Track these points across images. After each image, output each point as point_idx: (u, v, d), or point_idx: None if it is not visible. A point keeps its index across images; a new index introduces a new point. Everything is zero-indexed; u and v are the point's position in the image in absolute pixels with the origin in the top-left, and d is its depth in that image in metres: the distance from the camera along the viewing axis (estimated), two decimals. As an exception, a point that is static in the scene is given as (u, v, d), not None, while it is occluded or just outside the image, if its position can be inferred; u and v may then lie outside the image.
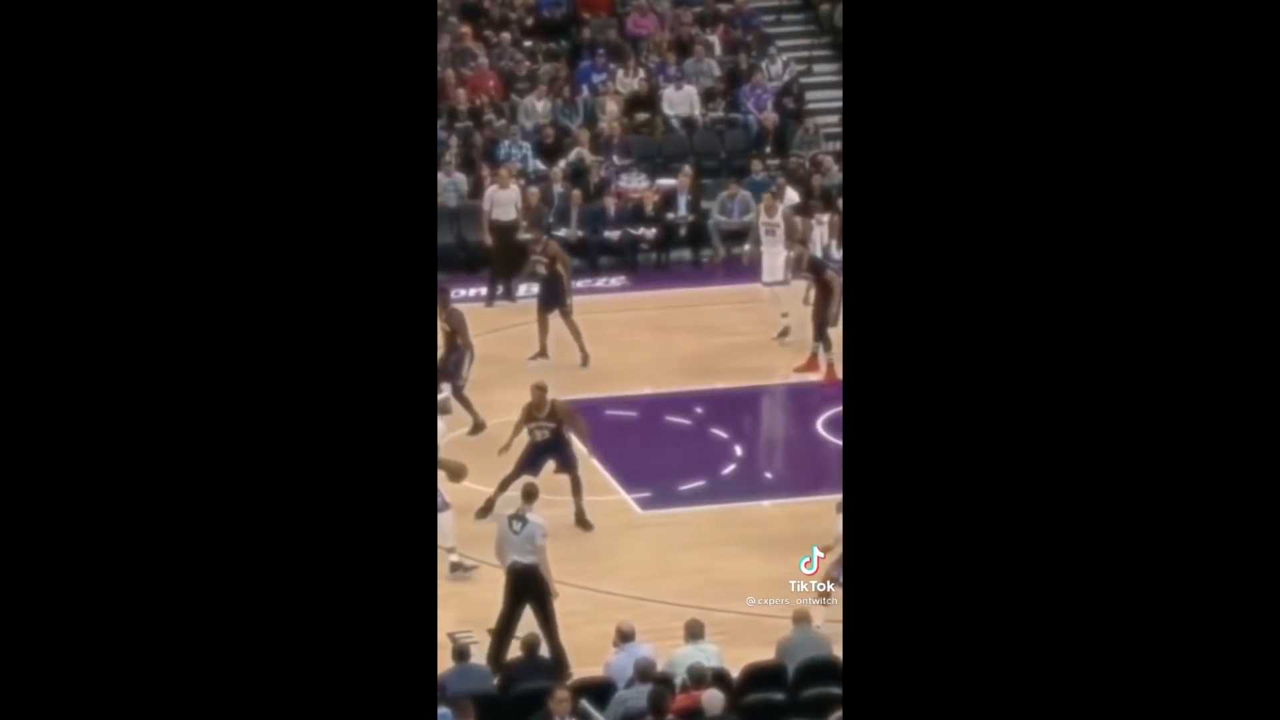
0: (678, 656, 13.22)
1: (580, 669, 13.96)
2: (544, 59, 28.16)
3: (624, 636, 13.41)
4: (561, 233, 24.62)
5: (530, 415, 17.54)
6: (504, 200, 24.31)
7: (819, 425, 20.09)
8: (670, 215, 26.11)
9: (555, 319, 21.56)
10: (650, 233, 25.92)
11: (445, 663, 12.76)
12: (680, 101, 27.74)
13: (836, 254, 22.57)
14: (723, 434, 19.98)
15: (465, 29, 28.01)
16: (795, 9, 30.26)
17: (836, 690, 12.02)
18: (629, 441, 19.71)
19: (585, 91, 27.72)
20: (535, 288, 22.36)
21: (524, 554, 14.72)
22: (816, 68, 29.01)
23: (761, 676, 13.14)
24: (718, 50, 28.70)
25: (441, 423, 16.61)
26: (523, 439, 17.50)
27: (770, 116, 27.59)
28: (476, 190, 25.43)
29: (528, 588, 14.71)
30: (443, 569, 15.62)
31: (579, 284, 23.39)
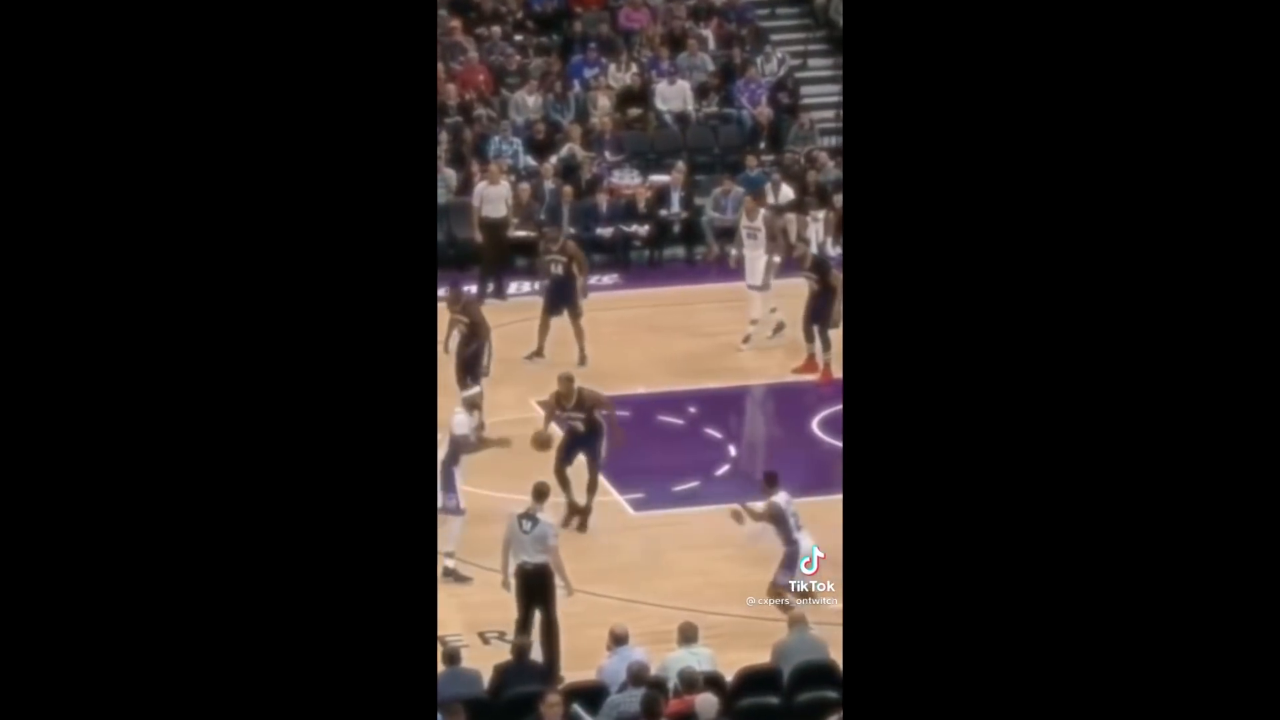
0: (671, 660, 13.17)
1: (572, 672, 13.91)
2: (535, 53, 28.05)
3: (617, 640, 13.38)
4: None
5: (560, 405, 17.35)
6: (494, 197, 24.18)
7: (814, 425, 20.04)
8: (663, 212, 26.01)
9: (557, 320, 21.36)
10: (643, 230, 25.80)
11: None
12: (673, 96, 27.62)
13: (832, 251, 22.45)
14: (716, 434, 19.95)
15: (455, 23, 27.89)
16: (790, 2, 30.16)
17: (832, 694, 12.18)
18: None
19: (577, 86, 27.62)
20: (526, 286, 22.17)
21: (534, 554, 14.72)
22: (811, 62, 28.97)
23: (756, 680, 13.10)
24: (711, 44, 28.65)
25: (472, 417, 16.65)
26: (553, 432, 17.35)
27: (765, 112, 27.48)
28: (466, 186, 25.34)
29: (538, 588, 14.68)
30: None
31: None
